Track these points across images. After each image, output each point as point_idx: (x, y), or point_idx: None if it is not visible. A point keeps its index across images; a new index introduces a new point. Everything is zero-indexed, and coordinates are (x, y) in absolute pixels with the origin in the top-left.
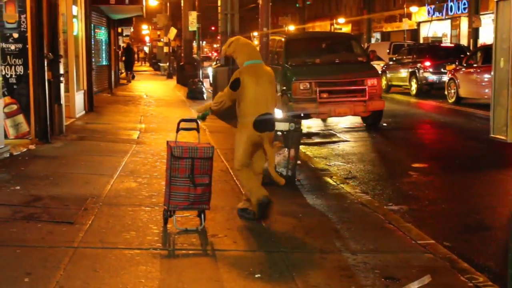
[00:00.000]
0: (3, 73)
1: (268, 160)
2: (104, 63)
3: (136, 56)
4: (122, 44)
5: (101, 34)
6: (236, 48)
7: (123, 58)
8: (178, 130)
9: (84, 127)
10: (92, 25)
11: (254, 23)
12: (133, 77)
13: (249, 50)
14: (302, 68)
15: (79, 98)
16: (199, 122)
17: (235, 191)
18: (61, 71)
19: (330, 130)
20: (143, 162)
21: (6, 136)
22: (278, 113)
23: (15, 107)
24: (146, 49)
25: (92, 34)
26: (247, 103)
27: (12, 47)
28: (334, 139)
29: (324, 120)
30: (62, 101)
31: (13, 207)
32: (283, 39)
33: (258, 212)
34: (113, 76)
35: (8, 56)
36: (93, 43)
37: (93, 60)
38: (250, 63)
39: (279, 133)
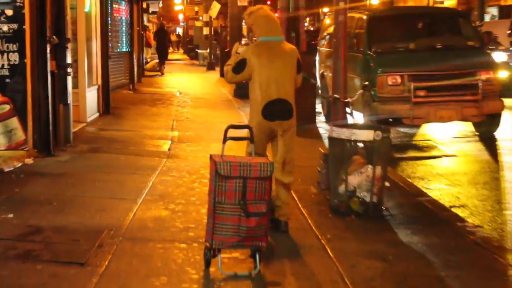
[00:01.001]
0: None
1: (277, 155)
2: (125, 49)
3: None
4: (147, 24)
5: (121, 10)
6: (255, 20)
7: (154, 43)
8: (225, 140)
9: (98, 134)
10: None
11: None
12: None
13: (267, 24)
14: (391, 56)
15: (91, 96)
16: (252, 129)
17: (300, 221)
18: (69, 60)
19: (429, 140)
20: (176, 183)
21: None
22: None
23: (7, 107)
24: (179, 30)
25: (109, 10)
26: (256, 86)
27: (5, 27)
28: (434, 153)
29: (420, 126)
30: (69, 100)
31: (5, 242)
32: (364, 17)
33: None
34: (135, 66)
35: (0, 40)
36: (110, 22)
37: (110, 45)
38: (265, 39)
39: (360, 144)
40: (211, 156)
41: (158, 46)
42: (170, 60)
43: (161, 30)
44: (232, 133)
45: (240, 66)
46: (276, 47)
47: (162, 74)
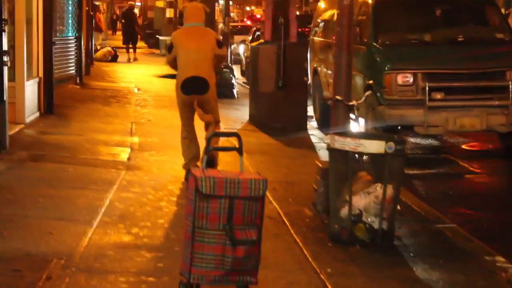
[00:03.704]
0: None
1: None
2: (70, 33)
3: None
4: (97, 3)
5: None
6: (184, 10)
7: (120, 27)
8: (208, 150)
9: (40, 139)
10: None
11: None
12: (115, 57)
13: (190, 13)
14: (402, 50)
15: (31, 91)
16: (241, 138)
17: (294, 251)
18: (5, 46)
19: (447, 153)
20: (139, 201)
21: None
22: (359, 124)
23: None
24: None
25: None
26: (178, 65)
27: None
28: (453, 170)
29: (436, 136)
30: (5, 96)
31: None
32: (370, 1)
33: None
34: (83, 55)
35: None
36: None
37: (54, 28)
38: (186, 25)
39: (366, 157)
40: (190, 171)
41: (126, 28)
42: (120, 47)
43: (130, 11)
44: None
45: (170, 48)
46: (195, 30)
47: (135, 60)
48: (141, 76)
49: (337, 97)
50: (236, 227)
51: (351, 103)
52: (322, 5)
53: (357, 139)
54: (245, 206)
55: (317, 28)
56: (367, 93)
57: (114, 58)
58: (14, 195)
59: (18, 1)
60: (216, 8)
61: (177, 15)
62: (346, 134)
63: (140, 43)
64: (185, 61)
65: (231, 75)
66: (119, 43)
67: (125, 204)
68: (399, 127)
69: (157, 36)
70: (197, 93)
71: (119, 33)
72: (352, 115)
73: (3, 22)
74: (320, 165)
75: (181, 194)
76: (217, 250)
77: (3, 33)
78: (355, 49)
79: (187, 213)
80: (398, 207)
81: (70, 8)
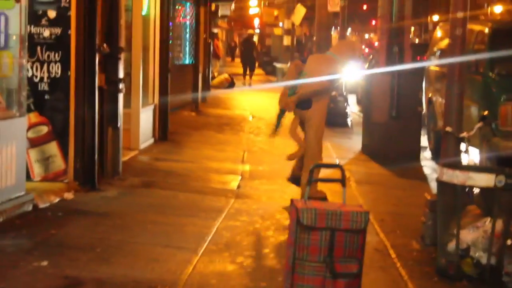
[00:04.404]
0: (30, 74)
1: None
2: (187, 61)
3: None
4: (216, 31)
5: (185, 13)
6: None
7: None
8: (310, 181)
9: (153, 165)
10: None
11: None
12: (232, 84)
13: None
14: None
15: (146, 118)
16: (344, 169)
17: (398, 285)
18: (121, 73)
19: None
20: (246, 230)
21: (28, 177)
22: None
23: (45, 129)
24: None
25: (172, 14)
26: None
27: (46, 33)
28: None
29: None
30: (120, 123)
31: None
32: (486, 30)
33: None
34: (200, 82)
35: (39, 48)
36: (171, 28)
37: (170, 55)
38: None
39: (477, 190)
40: (292, 201)
41: (245, 55)
42: (238, 74)
43: (248, 41)
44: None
45: None
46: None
47: (250, 85)
48: (256, 103)
49: (447, 128)
50: (337, 259)
51: (461, 135)
52: (438, 33)
53: (466, 171)
54: (346, 239)
55: (433, 57)
56: (478, 124)
57: (231, 85)
58: (123, 221)
59: (135, 29)
60: (334, 35)
61: (295, 43)
62: (455, 166)
63: (258, 70)
64: None
65: (345, 103)
66: (237, 70)
67: (231, 233)
68: None
69: (273, 63)
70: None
71: (237, 60)
72: (463, 147)
73: (120, 50)
74: (428, 197)
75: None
76: (316, 282)
77: (120, 61)
78: (470, 79)
79: (288, 244)
80: (509, 242)
81: (187, 36)
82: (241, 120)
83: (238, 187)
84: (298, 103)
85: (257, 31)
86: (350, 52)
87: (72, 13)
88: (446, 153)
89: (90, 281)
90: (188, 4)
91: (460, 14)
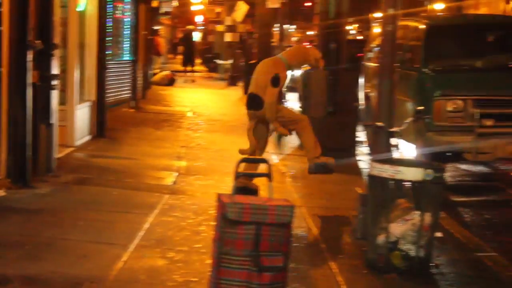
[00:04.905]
0: None
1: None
2: (126, 57)
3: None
4: (157, 27)
5: (123, 10)
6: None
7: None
8: (237, 176)
9: (88, 162)
10: None
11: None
12: (173, 81)
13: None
14: (453, 76)
15: (82, 115)
16: (270, 164)
17: (328, 278)
18: (55, 70)
19: (495, 181)
20: (179, 225)
21: None
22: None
23: None
24: (197, 36)
25: (110, 10)
26: None
27: None
28: (501, 197)
29: (485, 163)
30: (54, 119)
31: None
32: (421, 26)
33: None
34: (139, 79)
35: None
36: (110, 24)
37: (108, 52)
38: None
39: (407, 184)
40: (218, 196)
41: (184, 52)
42: (180, 71)
43: (187, 38)
44: (246, 167)
45: None
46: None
47: (193, 81)
48: (197, 100)
49: (379, 123)
50: (263, 253)
51: (392, 130)
52: (375, 30)
53: (395, 166)
54: (272, 233)
55: (370, 53)
56: (409, 119)
57: (171, 82)
58: (55, 218)
59: (71, 25)
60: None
61: (239, 40)
62: (385, 160)
63: (200, 67)
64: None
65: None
66: (180, 66)
67: (164, 228)
68: (448, 154)
69: (215, 60)
70: (250, 108)
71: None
72: (395, 141)
73: (53, 46)
74: (360, 191)
75: None
76: (242, 276)
77: (53, 57)
78: (405, 75)
79: (214, 239)
80: (439, 234)
81: (126, 31)
82: (181, 117)
83: (174, 183)
84: (250, 105)
85: (202, 27)
86: (301, 58)
87: (4, 9)
88: (377, 147)
89: (17, 278)
90: (127, 0)
91: (390, 11)
